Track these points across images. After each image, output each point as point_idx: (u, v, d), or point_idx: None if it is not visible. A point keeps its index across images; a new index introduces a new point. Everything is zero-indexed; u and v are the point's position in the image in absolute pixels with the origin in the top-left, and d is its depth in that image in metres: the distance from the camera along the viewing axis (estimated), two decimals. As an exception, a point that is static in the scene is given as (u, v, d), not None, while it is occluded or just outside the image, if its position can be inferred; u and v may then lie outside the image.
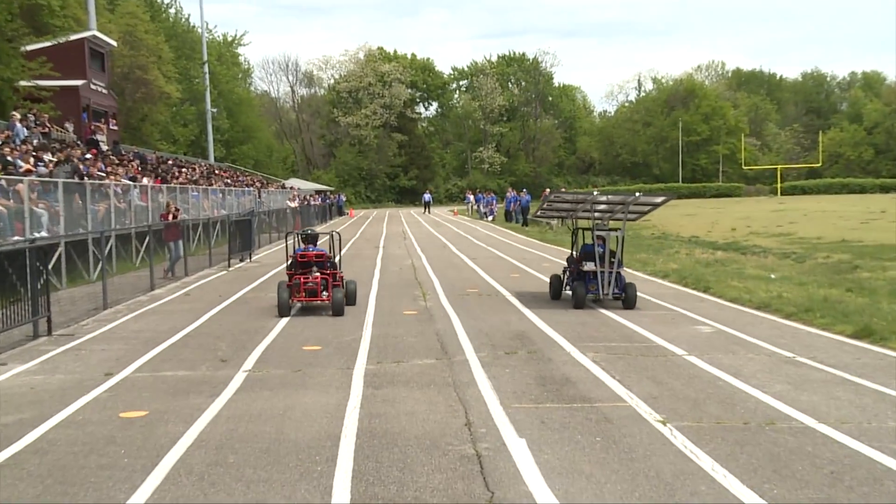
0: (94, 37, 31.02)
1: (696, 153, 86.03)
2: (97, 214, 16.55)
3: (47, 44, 26.19)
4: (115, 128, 33.57)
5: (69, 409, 6.08)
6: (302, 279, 10.69)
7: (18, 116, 20.47)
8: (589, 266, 11.20)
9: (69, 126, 25.99)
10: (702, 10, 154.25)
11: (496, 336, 8.88)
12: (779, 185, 75.66)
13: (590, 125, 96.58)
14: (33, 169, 15.86)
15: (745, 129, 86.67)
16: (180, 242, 16.07)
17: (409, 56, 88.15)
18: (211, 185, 30.37)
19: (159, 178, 24.40)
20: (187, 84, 48.19)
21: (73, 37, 28.60)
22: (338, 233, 13.38)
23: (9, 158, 15.50)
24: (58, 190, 14.71)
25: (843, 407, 5.93)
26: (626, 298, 10.87)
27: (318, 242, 11.72)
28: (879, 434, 5.26)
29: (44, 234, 13.48)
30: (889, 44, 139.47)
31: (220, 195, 29.35)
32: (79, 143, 24.89)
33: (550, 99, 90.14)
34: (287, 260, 11.88)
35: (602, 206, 11.84)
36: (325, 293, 10.67)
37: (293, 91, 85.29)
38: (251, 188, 37.43)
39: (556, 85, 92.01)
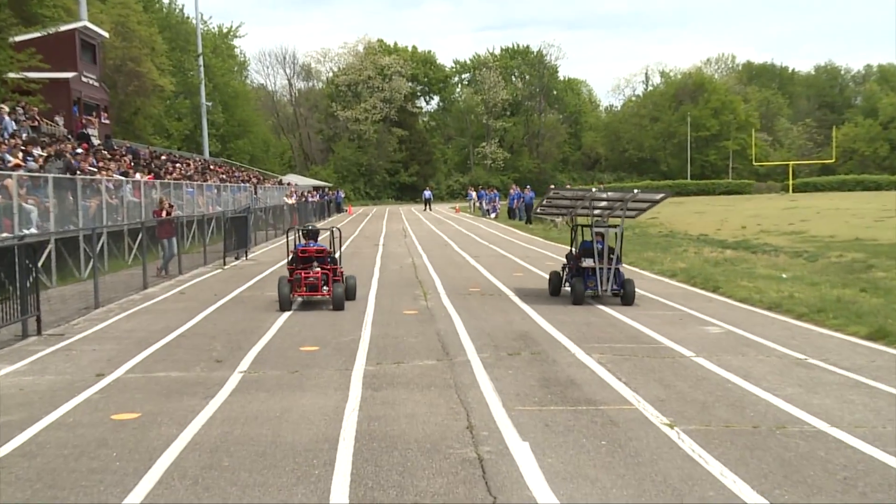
0: (85, 27, 30.70)
1: (706, 149, 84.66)
2: (88, 211, 16.40)
3: (36, 34, 25.78)
4: (107, 121, 33.29)
5: (59, 410, 6.00)
6: (303, 274, 11.02)
7: (7, 109, 20.25)
8: (588, 262, 11.42)
9: (59, 120, 25.76)
10: (712, 1, 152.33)
11: (499, 336, 8.79)
12: (790, 182, 74.09)
13: (595, 120, 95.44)
14: (22, 164, 15.68)
15: (755, 124, 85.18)
16: (174, 240, 15.93)
17: (409, 49, 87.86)
18: (206, 180, 30.19)
19: (152, 174, 24.23)
20: (181, 77, 47.89)
21: (64, 27, 28.20)
22: (338, 229, 13.55)
23: (-3, 153, 15.34)
24: (48, 185, 14.55)
25: (856, 411, 5.84)
26: (624, 294, 11.05)
27: (319, 238, 11.94)
28: (895, 439, 5.17)
29: (33, 230, 13.33)
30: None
31: (216, 191, 29.21)
32: (69, 137, 24.69)
33: (555, 93, 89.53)
34: (288, 255, 12.15)
35: (601, 203, 12.00)
36: (325, 288, 11.00)
37: (290, 84, 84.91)
38: (247, 184, 37.30)
39: (561, 78, 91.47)
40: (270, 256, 19.64)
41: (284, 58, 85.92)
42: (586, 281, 11.27)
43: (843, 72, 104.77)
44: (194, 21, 50.74)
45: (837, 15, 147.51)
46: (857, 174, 78.79)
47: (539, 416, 5.71)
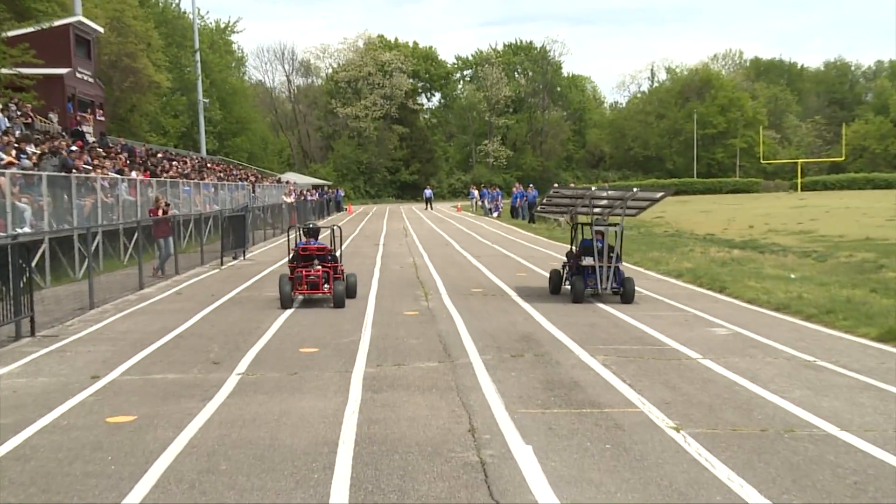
0: (80, 22, 30.53)
1: (712, 147, 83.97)
2: (83, 209, 16.28)
3: (30, 29, 25.65)
4: (102, 118, 33.16)
5: (53, 413, 5.94)
6: (304, 272, 11.18)
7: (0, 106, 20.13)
8: (588, 261, 11.54)
9: (53, 116, 25.62)
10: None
11: (501, 338, 8.73)
12: (799, 181, 73.47)
13: (600, 117, 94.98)
14: (15, 161, 15.55)
15: (763, 122, 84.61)
16: (171, 239, 15.83)
17: (410, 44, 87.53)
18: (203, 179, 30.07)
19: (148, 172, 24.07)
20: (178, 73, 47.74)
21: (58, 22, 28.02)
22: (339, 227, 13.67)
23: (-11, 150, 15.21)
24: (42, 183, 14.45)
25: (866, 414, 5.78)
26: (624, 293, 11.16)
27: (320, 237, 12.05)
28: (905, 442, 5.12)
29: (27, 229, 13.22)
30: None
31: (213, 190, 29.08)
32: (63, 134, 24.52)
33: (559, 90, 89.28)
34: (289, 253, 12.28)
35: (601, 202, 12.07)
36: (326, 286, 11.16)
37: (289, 81, 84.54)
38: (245, 182, 37.16)
39: (565, 75, 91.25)
40: (269, 256, 19.57)
41: (283, 54, 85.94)
42: (586, 279, 11.40)
43: (853, 67, 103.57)
44: (191, 16, 50.41)
45: (847, 9, 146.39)
46: (867, 172, 77.73)
47: (542, 419, 5.65)
